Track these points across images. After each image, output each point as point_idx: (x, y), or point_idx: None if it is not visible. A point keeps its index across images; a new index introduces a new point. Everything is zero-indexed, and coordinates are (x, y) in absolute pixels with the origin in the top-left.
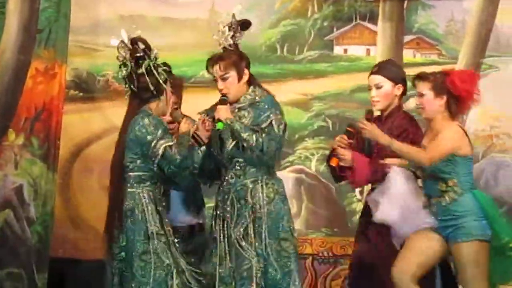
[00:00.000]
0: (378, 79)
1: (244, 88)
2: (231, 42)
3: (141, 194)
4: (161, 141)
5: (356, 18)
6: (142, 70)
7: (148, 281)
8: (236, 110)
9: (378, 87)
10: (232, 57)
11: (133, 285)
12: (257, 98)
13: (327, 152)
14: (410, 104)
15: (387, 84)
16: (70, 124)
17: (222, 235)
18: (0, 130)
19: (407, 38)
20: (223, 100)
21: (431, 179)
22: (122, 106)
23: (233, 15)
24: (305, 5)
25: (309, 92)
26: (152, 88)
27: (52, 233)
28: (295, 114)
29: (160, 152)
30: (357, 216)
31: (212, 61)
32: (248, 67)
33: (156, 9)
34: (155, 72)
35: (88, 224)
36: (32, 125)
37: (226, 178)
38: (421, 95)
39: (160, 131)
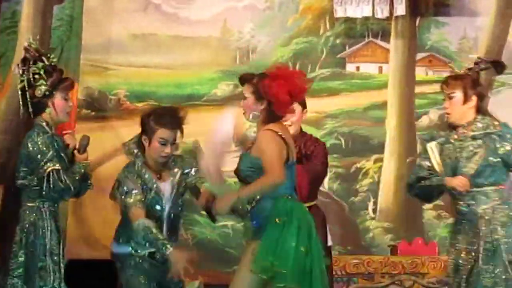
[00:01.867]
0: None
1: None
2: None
3: (42, 209)
4: (49, 164)
5: (368, 35)
6: (19, 87)
7: None
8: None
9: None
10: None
11: None
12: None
13: (340, 170)
14: None
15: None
16: None
17: None
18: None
19: (419, 55)
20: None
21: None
22: (134, 124)
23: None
24: (317, 23)
25: (322, 110)
26: (30, 107)
27: (65, 252)
28: (309, 131)
29: (45, 174)
30: (371, 234)
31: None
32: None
33: (168, 27)
34: (29, 90)
35: (101, 243)
36: None
37: None
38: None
39: (50, 153)
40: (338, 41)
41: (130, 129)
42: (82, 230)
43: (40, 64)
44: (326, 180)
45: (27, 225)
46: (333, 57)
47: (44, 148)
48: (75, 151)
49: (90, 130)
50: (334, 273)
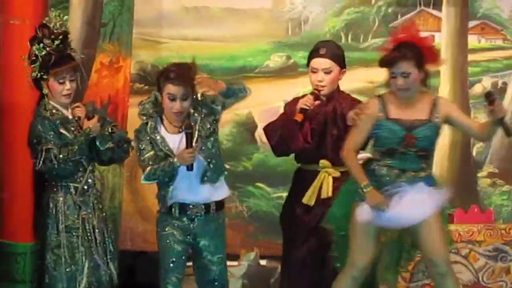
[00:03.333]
0: (327, 63)
1: None
2: None
3: (58, 187)
4: (41, 145)
5: (420, 4)
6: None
7: (61, 276)
8: None
9: (327, 72)
10: None
11: (46, 279)
12: None
13: None
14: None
15: (335, 69)
16: (136, 117)
17: None
18: None
19: (471, 23)
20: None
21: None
22: None
23: None
24: None
25: (375, 79)
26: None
27: (121, 226)
28: None
29: (38, 155)
30: None
31: None
32: None
33: (220, 0)
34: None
35: (156, 216)
36: None
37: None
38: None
39: (42, 134)
40: (390, 10)
41: None
42: (137, 202)
43: (40, 46)
44: None
45: (44, 205)
46: (386, 26)
47: (37, 132)
48: (85, 120)
49: None
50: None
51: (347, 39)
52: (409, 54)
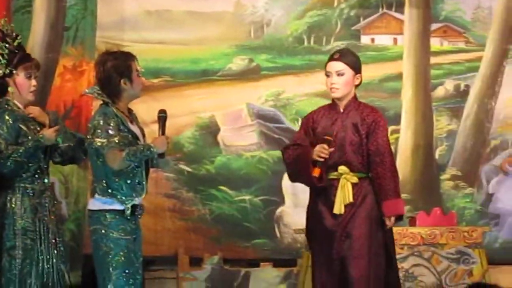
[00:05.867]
0: (340, 66)
1: None
2: None
3: (16, 188)
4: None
5: (382, 6)
6: None
7: (14, 278)
8: None
9: (340, 74)
10: None
11: (2, 280)
12: None
13: None
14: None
15: (348, 72)
16: None
17: None
18: None
19: (434, 26)
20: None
21: None
22: (150, 100)
23: None
24: None
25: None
26: None
27: (85, 230)
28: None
29: None
30: None
31: None
32: None
33: (182, 3)
34: None
35: None
36: None
37: None
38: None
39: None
40: (352, 13)
41: (146, 105)
42: None
43: (2, 44)
44: None
45: (0, 206)
46: (348, 29)
47: None
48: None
49: None
50: None
51: (310, 42)
52: None
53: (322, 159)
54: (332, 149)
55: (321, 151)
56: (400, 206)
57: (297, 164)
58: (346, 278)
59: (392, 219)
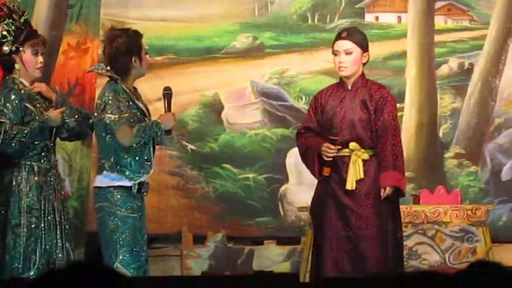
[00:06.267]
0: (348, 44)
1: None
2: None
3: (22, 166)
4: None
5: None
6: None
7: (19, 256)
8: None
9: (348, 53)
10: None
11: (7, 258)
12: None
13: None
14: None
15: (356, 51)
16: None
17: None
18: None
19: (438, 4)
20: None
21: None
22: (154, 78)
23: None
24: None
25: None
26: None
27: (88, 207)
28: (327, 83)
29: None
30: None
31: None
32: None
33: None
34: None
35: None
36: None
37: None
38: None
39: (3, 106)
40: None
41: (150, 83)
42: None
43: (9, 21)
44: None
45: (6, 183)
46: (352, 7)
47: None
48: (54, 102)
49: None
50: None
51: (314, 20)
52: None
53: (330, 159)
54: (338, 147)
55: (327, 151)
56: (396, 178)
57: (305, 157)
58: (358, 254)
59: (388, 189)
